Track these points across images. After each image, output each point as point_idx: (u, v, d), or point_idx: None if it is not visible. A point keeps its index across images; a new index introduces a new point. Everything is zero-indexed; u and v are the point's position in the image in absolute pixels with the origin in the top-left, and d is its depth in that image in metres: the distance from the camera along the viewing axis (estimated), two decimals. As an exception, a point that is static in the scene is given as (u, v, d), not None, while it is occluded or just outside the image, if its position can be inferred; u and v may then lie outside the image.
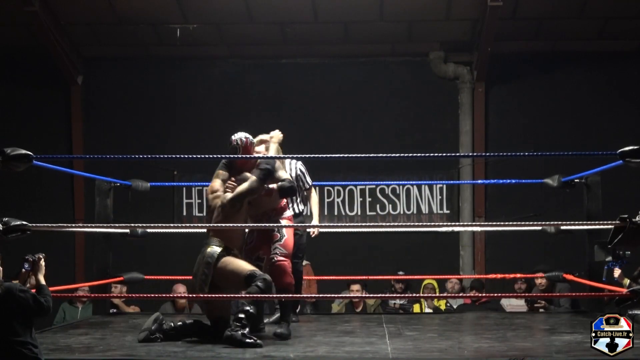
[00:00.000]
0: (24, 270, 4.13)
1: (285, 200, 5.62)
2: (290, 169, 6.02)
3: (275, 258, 5.45)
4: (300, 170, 6.12)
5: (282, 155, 5.58)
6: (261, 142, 5.71)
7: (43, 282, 4.07)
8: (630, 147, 4.71)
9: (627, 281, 6.29)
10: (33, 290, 3.99)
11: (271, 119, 10.33)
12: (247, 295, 4.97)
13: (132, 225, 7.09)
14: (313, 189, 6.26)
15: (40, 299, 3.86)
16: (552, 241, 8.19)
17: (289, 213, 5.69)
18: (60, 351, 4.76)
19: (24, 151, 4.63)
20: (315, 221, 6.21)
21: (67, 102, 10.48)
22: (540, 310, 7.40)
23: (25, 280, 4.13)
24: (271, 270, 5.37)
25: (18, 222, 4.60)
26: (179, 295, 7.78)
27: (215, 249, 5.12)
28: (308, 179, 6.17)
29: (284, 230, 5.49)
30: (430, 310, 8.21)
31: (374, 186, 9.97)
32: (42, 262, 4.15)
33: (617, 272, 6.16)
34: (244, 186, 5.25)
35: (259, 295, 4.89)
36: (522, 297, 8.45)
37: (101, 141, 10.29)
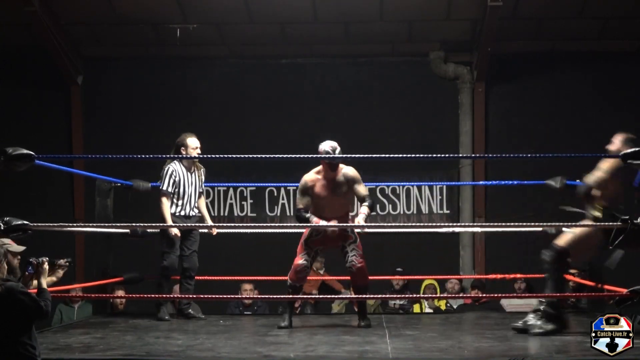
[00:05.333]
0: (27, 273, 4.14)
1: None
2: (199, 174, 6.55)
3: (356, 260, 5.93)
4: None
5: (286, 155, 5.61)
6: None
7: (45, 285, 4.08)
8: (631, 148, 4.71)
9: None
10: (33, 291, 4.00)
11: (271, 119, 10.41)
12: (258, 297, 4.98)
13: (132, 225, 7.09)
14: (203, 196, 6.68)
15: (40, 302, 3.86)
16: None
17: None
18: (60, 351, 4.77)
19: (25, 151, 4.63)
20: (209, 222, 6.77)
21: (67, 102, 10.47)
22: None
23: (27, 283, 4.14)
24: (354, 273, 5.90)
25: (19, 222, 4.60)
26: (179, 295, 7.76)
27: None
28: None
29: (356, 231, 5.95)
30: (431, 310, 8.21)
31: (374, 186, 9.95)
32: (45, 266, 4.17)
33: None
34: None
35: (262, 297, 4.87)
36: (522, 297, 8.45)
37: (101, 141, 10.28)
